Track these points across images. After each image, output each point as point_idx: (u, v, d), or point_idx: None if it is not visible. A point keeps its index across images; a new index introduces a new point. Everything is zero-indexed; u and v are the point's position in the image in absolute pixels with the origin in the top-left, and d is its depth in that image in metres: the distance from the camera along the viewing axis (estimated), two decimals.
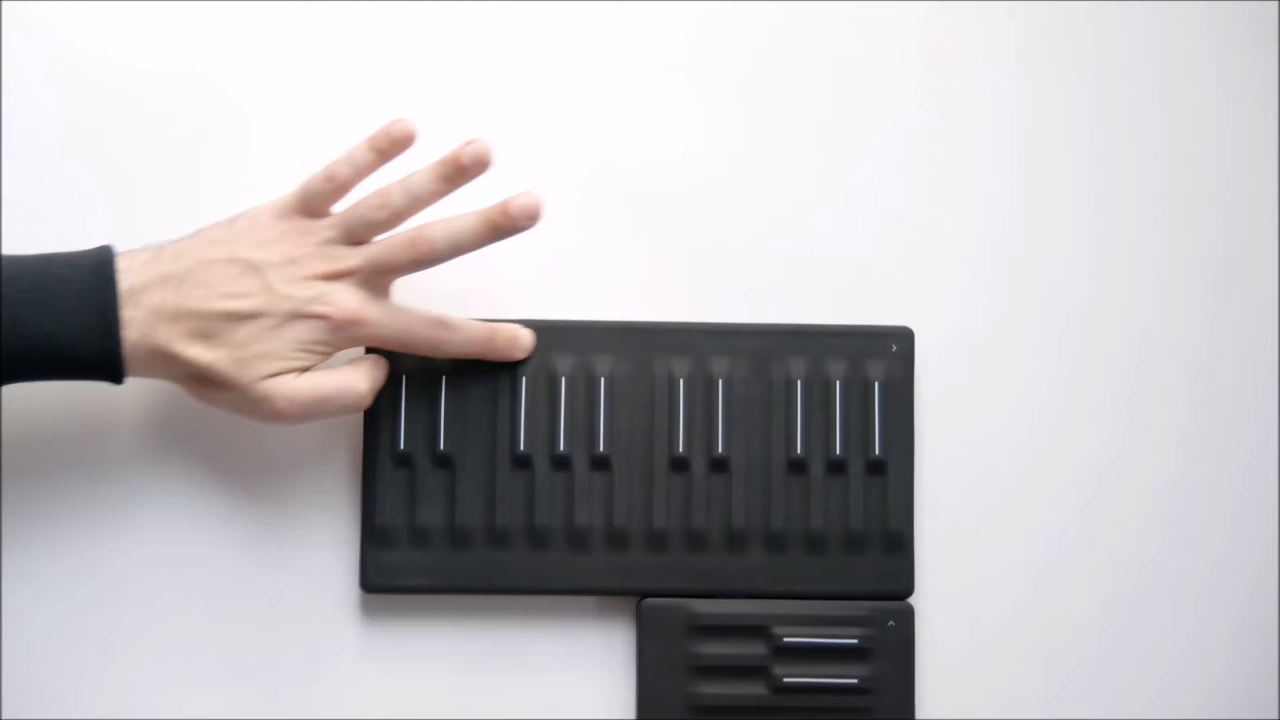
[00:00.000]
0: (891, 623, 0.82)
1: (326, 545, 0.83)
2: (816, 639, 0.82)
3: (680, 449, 0.82)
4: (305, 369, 0.77)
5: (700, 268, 0.85)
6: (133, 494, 0.82)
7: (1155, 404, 0.85)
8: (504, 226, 0.77)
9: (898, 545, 0.82)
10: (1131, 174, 0.86)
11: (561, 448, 0.82)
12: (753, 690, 0.81)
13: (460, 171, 0.77)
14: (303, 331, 0.76)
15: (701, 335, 0.83)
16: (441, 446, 0.82)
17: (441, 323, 0.79)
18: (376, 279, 0.78)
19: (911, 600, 0.82)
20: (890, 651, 0.82)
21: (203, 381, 0.76)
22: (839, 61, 0.86)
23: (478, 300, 0.83)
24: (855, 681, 0.81)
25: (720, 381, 0.83)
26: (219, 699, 0.82)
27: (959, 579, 0.84)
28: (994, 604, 0.84)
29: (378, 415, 0.81)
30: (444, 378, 0.82)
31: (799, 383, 0.83)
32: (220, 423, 0.82)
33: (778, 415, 0.83)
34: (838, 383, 0.83)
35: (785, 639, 0.81)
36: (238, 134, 0.84)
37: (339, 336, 0.77)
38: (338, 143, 0.78)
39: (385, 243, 0.78)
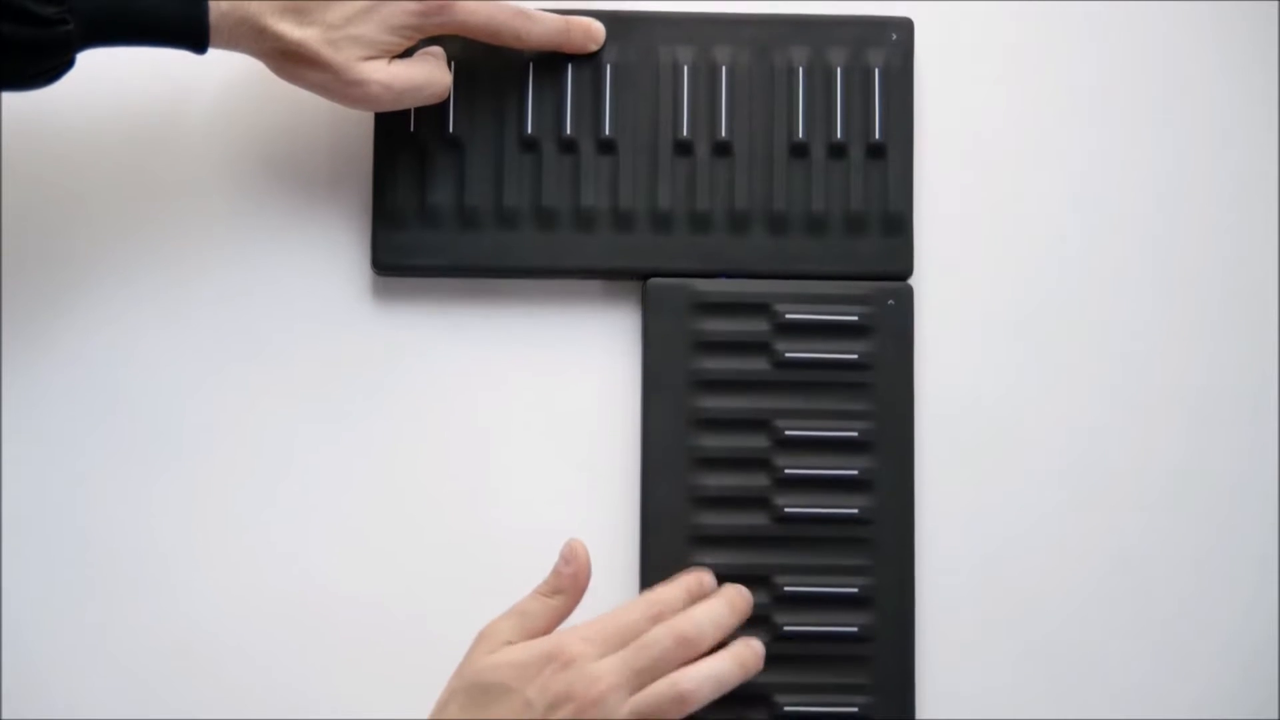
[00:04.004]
0: (891, 301, 0.84)
1: (338, 229, 0.85)
2: (817, 315, 0.83)
3: (684, 133, 0.84)
4: (393, 55, 0.79)
5: None
6: (142, 175, 0.84)
7: (1152, 103, 0.87)
8: None
9: (897, 227, 0.84)
10: None
11: (568, 131, 0.84)
12: (754, 365, 0.83)
13: None
14: (394, 15, 0.77)
15: (704, 24, 0.85)
16: (451, 129, 0.83)
17: (523, 12, 0.81)
18: None
19: (910, 281, 0.84)
20: (890, 329, 0.84)
21: (291, 58, 0.77)
22: None
23: None
24: (856, 357, 0.83)
25: (723, 69, 0.84)
26: (231, 384, 0.84)
27: (957, 260, 0.85)
28: (991, 284, 0.85)
29: None
30: (453, 62, 0.83)
31: (800, 69, 0.84)
32: (228, 105, 0.84)
33: (780, 101, 0.84)
34: (838, 69, 0.84)
35: (787, 315, 0.83)
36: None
37: (428, 21, 0.78)
38: None
39: None
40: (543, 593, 0.77)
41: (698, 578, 0.80)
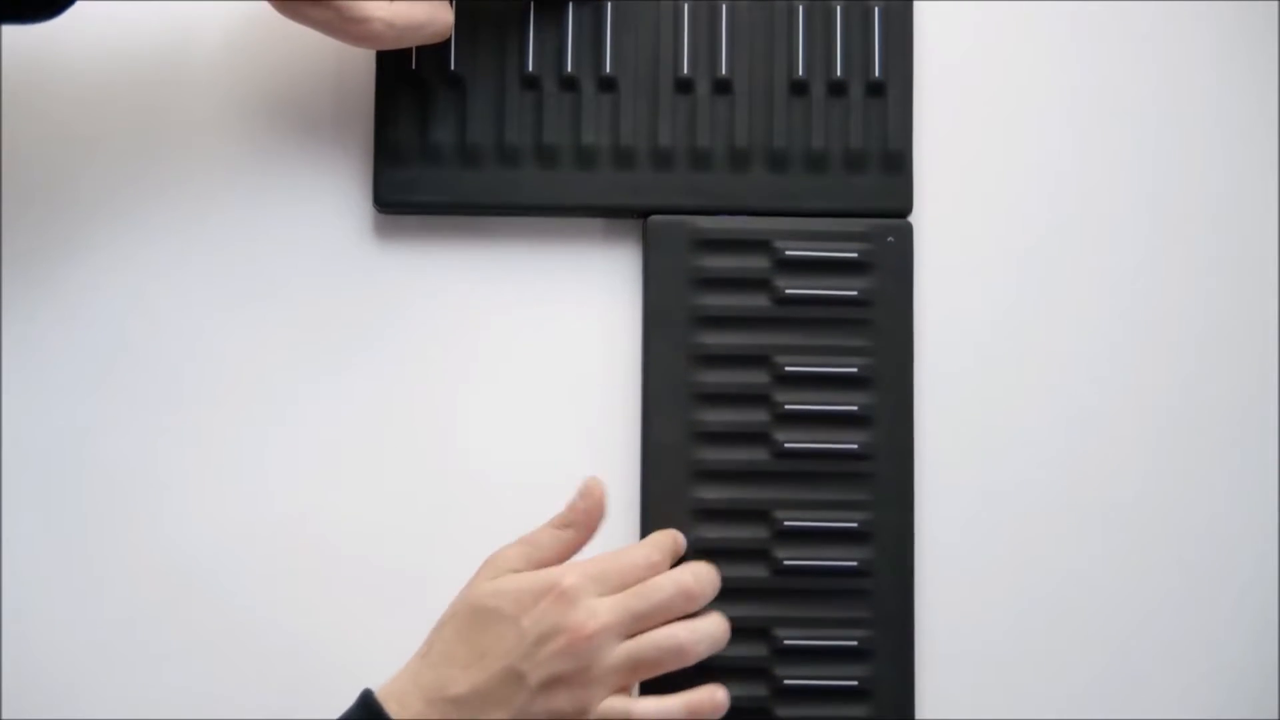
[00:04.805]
0: (891, 238, 0.84)
1: (341, 167, 0.85)
2: (817, 252, 0.84)
3: (685, 70, 0.84)
4: None
5: None
6: (145, 114, 0.85)
7: (1154, 39, 0.87)
8: None
9: (897, 164, 0.84)
10: None
11: (569, 69, 0.84)
12: (755, 301, 0.84)
13: None
14: None
15: None
16: (453, 67, 0.84)
17: None
18: None
19: (910, 218, 0.85)
20: (890, 266, 0.84)
21: None
22: None
23: None
24: (855, 293, 0.84)
25: (724, 6, 0.85)
26: (234, 321, 0.84)
27: (956, 197, 0.86)
28: (990, 221, 0.86)
29: None
30: (454, 0, 0.83)
31: (800, 7, 0.85)
32: (231, 44, 0.85)
33: (780, 38, 0.85)
34: (838, 7, 0.85)
35: (787, 252, 0.84)
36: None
37: None
38: None
39: None
40: (555, 525, 0.77)
41: (672, 537, 0.80)
